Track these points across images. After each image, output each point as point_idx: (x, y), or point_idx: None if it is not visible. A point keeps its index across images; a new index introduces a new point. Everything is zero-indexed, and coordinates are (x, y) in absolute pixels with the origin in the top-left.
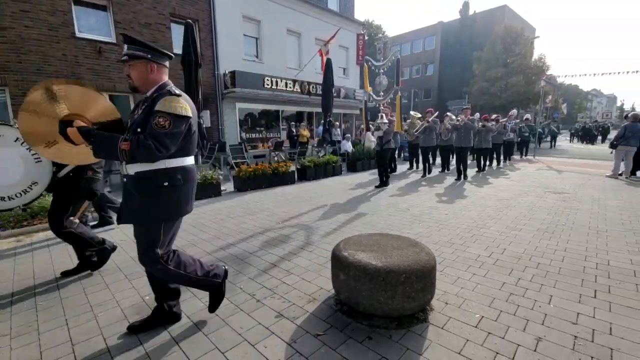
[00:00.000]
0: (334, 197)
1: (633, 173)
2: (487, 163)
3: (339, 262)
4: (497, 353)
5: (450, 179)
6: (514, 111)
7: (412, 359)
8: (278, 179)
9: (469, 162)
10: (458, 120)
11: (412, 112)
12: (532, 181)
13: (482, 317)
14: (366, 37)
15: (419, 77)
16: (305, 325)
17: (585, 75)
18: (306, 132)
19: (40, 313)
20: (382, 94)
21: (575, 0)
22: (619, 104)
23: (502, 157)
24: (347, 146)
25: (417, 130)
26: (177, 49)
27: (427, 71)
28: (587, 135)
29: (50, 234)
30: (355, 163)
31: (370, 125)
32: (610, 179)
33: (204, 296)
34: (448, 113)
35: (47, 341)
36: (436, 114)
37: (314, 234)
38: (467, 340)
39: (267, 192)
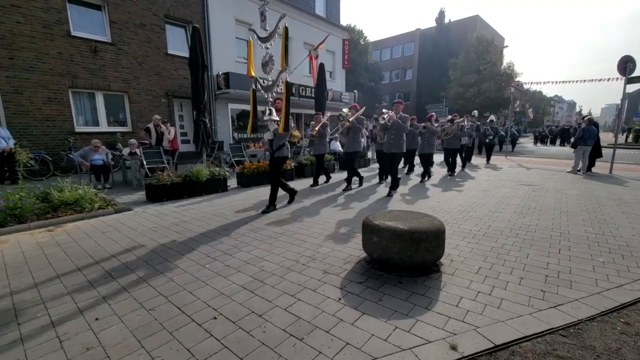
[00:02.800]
0: (331, 191)
1: (589, 169)
2: (431, 170)
3: (371, 229)
4: (494, 287)
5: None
6: (475, 112)
7: (434, 292)
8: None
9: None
10: (383, 118)
11: (344, 110)
12: (506, 176)
13: (480, 267)
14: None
15: (398, 81)
16: (348, 277)
17: (549, 82)
18: (297, 133)
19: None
20: (271, 80)
21: (540, 15)
22: (577, 109)
23: (461, 163)
24: (336, 146)
25: (333, 133)
26: (172, 49)
27: (406, 76)
28: (565, 135)
29: (82, 224)
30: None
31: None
32: (570, 174)
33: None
34: (384, 110)
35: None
36: (361, 110)
37: (329, 218)
38: (472, 280)
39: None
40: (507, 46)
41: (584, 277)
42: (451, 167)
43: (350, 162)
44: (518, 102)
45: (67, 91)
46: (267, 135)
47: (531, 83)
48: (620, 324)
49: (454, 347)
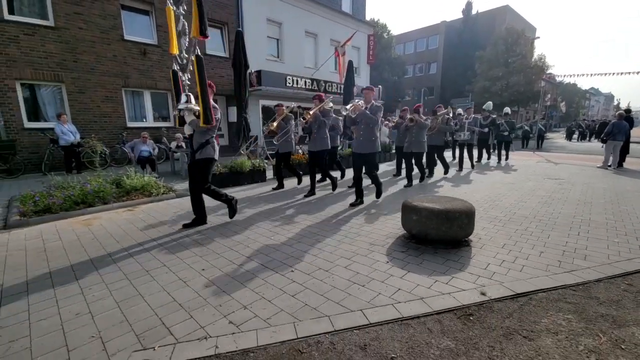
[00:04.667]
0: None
1: (620, 164)
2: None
3: (411, 209)
4: (517, 257)
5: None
6: (490, 103)
7: (466, 259)
8: None
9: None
10: (346, 109)
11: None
12: (533, 171)
13: (505, 244)
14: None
15: (422, 75)
16: (392, 248)
17: (584, 75)
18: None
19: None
20: (187, 56)
21: (575, 1)
22: (615, 102)
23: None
24: None
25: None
26: (209, 50)
27: (430, 70)
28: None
29: (153, 205)
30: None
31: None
32: (600, 169)
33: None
34: (356, 99)
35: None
36: (327, 100)
37: (366, 204)
38: (497, 252)
39: (304, 179)
40: (538, 37)
41: (598, 253)
42: (429, 168)
43: (318, 163)
44: (549, 95)
45: (121, 90)
46: (186, 130)
47: (564, 75)
48: (624, 284)
49: (483, 293)
